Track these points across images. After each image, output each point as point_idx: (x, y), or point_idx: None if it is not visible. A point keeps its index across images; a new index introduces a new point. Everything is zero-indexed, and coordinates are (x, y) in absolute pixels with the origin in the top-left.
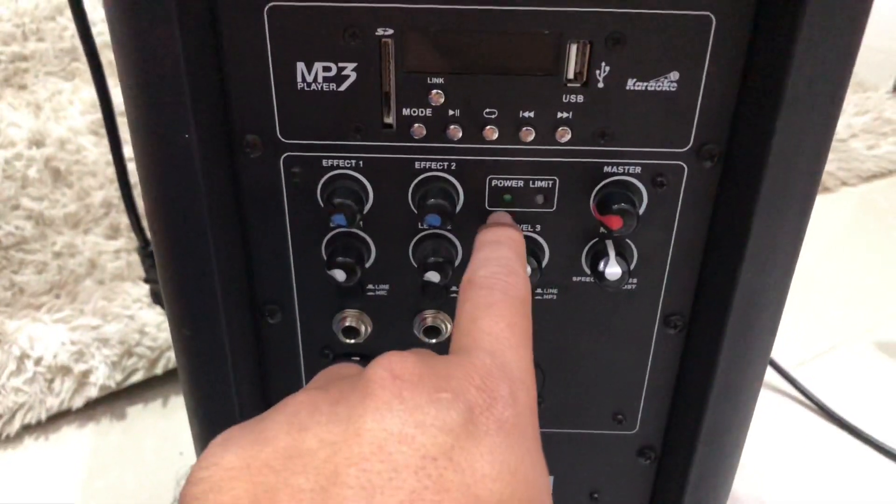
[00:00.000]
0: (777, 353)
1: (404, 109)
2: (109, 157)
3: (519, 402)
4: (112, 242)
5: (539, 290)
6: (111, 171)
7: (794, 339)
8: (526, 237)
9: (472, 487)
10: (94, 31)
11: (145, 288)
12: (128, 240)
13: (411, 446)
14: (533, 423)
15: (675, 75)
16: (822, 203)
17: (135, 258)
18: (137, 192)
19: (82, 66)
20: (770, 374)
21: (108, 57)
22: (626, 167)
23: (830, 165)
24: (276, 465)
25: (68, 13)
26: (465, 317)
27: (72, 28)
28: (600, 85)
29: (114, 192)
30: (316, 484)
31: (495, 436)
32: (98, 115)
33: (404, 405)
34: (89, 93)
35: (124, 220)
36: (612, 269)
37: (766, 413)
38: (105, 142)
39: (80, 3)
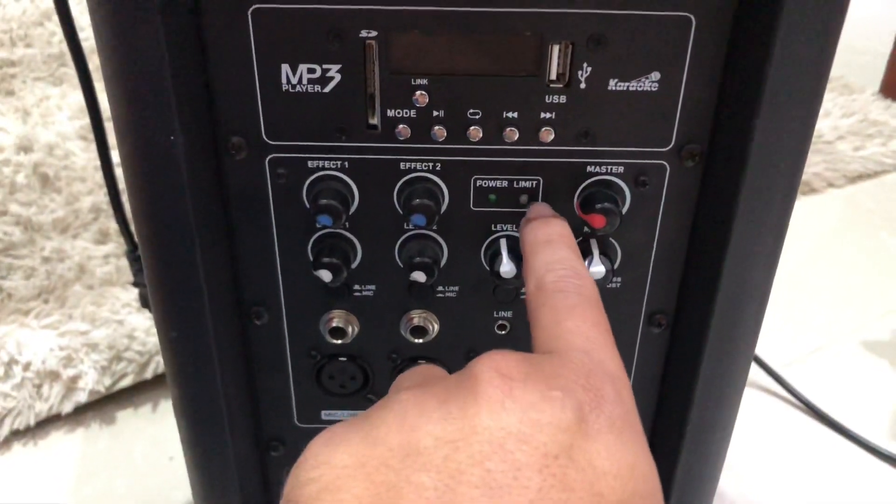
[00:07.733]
0: (765, 353)
1: (389, 111)
2: (98, 162)
3: (625, 401)
4: (101, 247)
5: (523, 289)
6: (100, 176)
7: (781, 339)
8: (510, 236)
9: (595, 485)
10: (82, 35)
11: (134, 293)
12: (117, 245)
13: (531, 445)
14: (638, 420)
15: (656, 75)
16: (809, 204)
17: (124, 263)
18: (125, 196)
19: (70, 71)
20: (758, 374)
21: (95, 62)
22: (609, 167)
23: (817, 167)
24: (394, 463)
25: (56, 18)
26: (547, 320)
27: (60, 33)
28: (582, 86)
29: (102, 197)
30: (440, 482)
31: (608, 434)
32: (86, 120)
33: (518, 404)
34: (77, 98)
35: (113, 225)
36: (596, 268)
37: (755, 413)
38: (93, 147)
39: (67, 7)
